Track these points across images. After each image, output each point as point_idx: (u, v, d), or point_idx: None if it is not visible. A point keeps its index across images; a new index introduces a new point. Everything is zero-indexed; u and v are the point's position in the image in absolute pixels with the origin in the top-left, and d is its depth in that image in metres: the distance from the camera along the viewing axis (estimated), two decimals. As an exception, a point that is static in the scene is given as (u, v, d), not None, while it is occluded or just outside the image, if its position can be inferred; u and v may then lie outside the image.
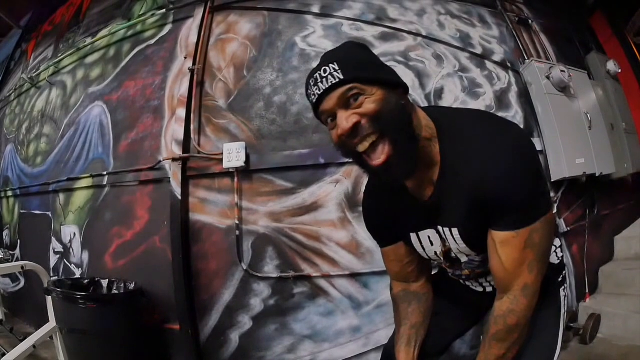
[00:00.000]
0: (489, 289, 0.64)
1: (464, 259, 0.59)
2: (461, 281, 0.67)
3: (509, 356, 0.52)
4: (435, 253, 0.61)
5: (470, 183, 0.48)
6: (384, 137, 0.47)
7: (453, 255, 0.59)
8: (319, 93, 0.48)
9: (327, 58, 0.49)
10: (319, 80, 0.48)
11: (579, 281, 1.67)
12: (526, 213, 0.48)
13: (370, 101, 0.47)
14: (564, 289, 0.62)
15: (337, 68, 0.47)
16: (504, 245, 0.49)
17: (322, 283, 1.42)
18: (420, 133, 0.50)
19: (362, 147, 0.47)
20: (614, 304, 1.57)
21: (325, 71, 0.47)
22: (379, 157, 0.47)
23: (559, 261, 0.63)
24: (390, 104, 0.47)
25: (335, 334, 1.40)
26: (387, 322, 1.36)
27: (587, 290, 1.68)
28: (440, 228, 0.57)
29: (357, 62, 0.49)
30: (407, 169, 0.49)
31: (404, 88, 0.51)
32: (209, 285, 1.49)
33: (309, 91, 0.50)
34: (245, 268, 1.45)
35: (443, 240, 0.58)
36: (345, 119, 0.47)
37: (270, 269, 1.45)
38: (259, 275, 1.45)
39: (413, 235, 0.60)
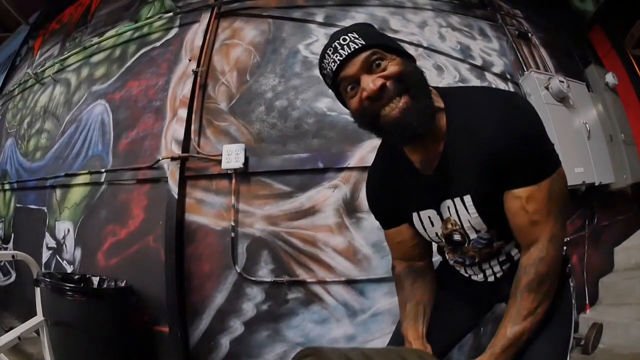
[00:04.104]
0: (491, 278, 0.62)
1: (472, 235, 0.56)
2: (462, 271, 0.66)
3: (539, 312, 0.51)
4: (437, 234, 0.59)
5: (486, 143, 0.49)
6: (404, 94, 0.48)
7: (456, 237, 0.58)
8: (341, 59, 0.48)
9: (342, 31, 0.50)
10: (339, 47, 0.48)
11: (578, 292, 1.66)
12: (544, 165, 0.49)
13: (393, 64, 0.48)
14: (571, 280, 0.62)
15: (356, 36, 0.48)
16: (530, 200, 0.49)
17: (317, 289, 1.40)
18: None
19: (389, 109, 0.48)
20: (614, 314, 1.56)
21: (344, 40, 0.48)
22: (397, 106, 0.47)
23: (564, 253, 0.61)
24: (410, 67, 0.50)
25: (329, 342, 1.38)
26: (383, 331, 1.34)
27: (587, 302, 1.66)
28: (445, 204, 0.55)
29: (373, 32, 0.51)
30: (424, 121, 0.49)
31: (414, 59, 0.53)
32: (201, 288, 1.47)
33: (326, 60, 0.50)
34: (239, 271, 1.43)
35: (445, 222, 0.57)
36: (372, 81, 0.47)
37: (265, 273, 1.44)
38: (253, 279, 1.43)
39: (415, 215, 0.59)
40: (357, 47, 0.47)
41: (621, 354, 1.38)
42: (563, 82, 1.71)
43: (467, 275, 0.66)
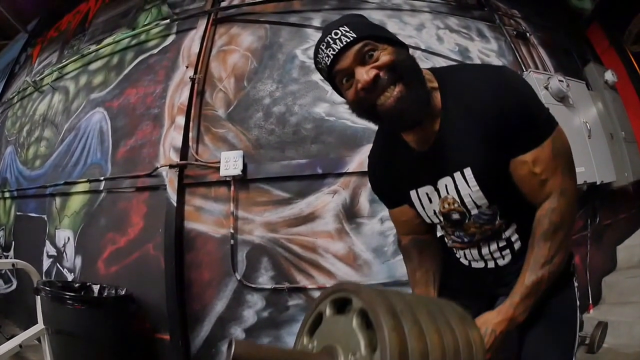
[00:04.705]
0: (491, 264, 0.61)
1: (474, 211, 0.56)
2: (462, 259, 0.65)
3: (556, 261, 0.52)
4: (435, 212, 0.60)
5: (483, 113, 0.50)
6: (398, 82, 0.49)
7: (455, 217, 0.58)
8: (334, 53, 0.49)
9: (333, 25, 0.51)
10: (332, 42, 0.49)
11: (581, 292, 1.64)
12: (543, 126, 0.51)
13: (385, 54, 0.49)
14: (575, 279, 0.61)
15: (348, 29, 0.49)
16: (537, 162, 0.51)
17: (318, 295, 1.39)
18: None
19: (384, 98, 0.49)
20: (618, 313, 1.55)
21: (336, 34, 0.49)
22: (392, 95, 0.49)
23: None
24: (402, 55, 0.51)
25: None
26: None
27: (590, 302, 1.66)
28: (442, 182, 0.56)
29: (364, 24, 0.53)
30: (419, 108, 0.50)
31: (407, 47, 0.54)
32: (202, 295, 1.46)
33: (320, 55, 0.51)
34: (239, 278, 1.43)
35: (442, 200, 0.58)
36: (365, 72, 0.48)
37: (265, 280, 1.43)
38: (253, 286, 1.42)
39: (413, 193, 0.60)
40: (349, 40, 0.48)
41: (625, 353, 1.38)
42: (562, 81, 1.70)
43: (467, 262, 0.65)
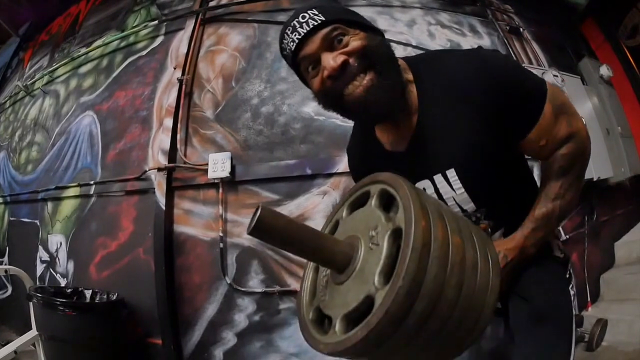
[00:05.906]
0: None
1: (459, 214, 0.54)
2: None
3: (567, 198, 0.51)
4: None
5: (471, 99, 0.46)
6: (369, 70, 0.45)
7: None
8: (299, 37, 0.45)
9: (301, 9, 0.47)
10: (298, 26, 0.45)
11: (579, 290, 1.63)
12: (538, 90, 0.48)
13: (356, 39, 0.45)
14: (572, 287, 0.58)
15: (316, 12, 0.45)
16: (541, 135, 0.48)
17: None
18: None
19: (352, 88, 0.45)
20: (617, 310, 1.54)
21: (303, 17, 0.45)
22: (362, 84, 0.45)
23: (562, 254, 0.58)
24: (375, 41, 0.47)
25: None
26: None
27: (588, 299, 1.64)
28: (421, 185, 0.53)
29: (335, 7, 0.49)
30: (391, 99, 0.46)
31: (382, 33, 0.50)
32: (193, 299, 1.45)
33: (285, 40, 0.47)
34: (229, 282, 1.41)
35: None
36: (332, 59, 0.44)
37: (255, 283, 1.41)
38: (244, 289, 1.41)
39: None
40: (316, 23, 0.44)
41: (625, 351, 1.36)
42: (557, 76, 1.68)
43: None
